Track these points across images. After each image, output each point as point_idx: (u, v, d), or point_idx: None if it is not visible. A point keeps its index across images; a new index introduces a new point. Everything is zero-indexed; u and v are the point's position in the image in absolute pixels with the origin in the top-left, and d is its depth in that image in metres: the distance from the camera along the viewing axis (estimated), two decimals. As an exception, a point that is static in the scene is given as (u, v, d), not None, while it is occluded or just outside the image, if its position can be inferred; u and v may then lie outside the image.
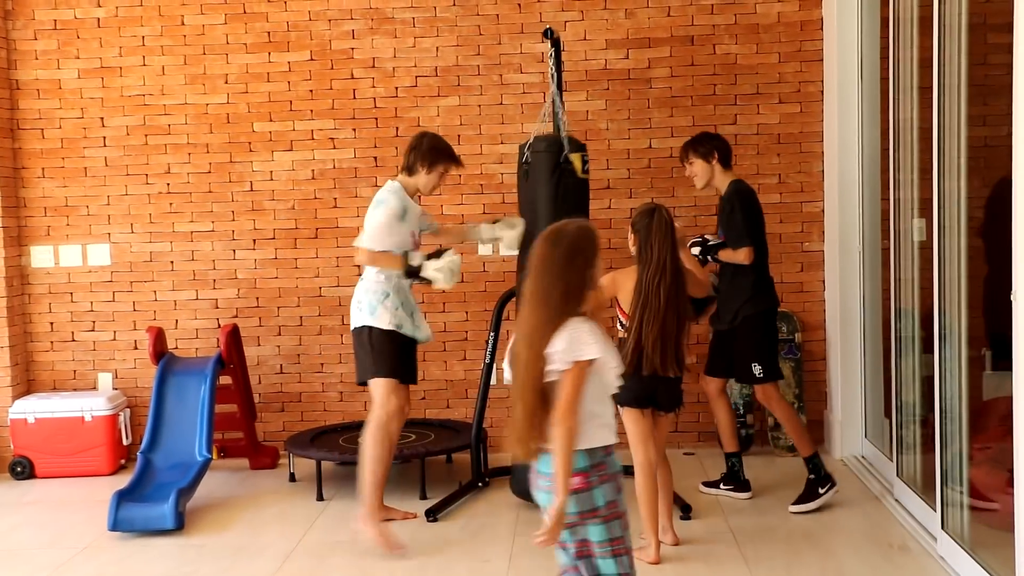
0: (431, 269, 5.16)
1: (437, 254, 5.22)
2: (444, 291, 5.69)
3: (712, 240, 5.55)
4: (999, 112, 3.98)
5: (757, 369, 5.45)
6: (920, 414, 5.26)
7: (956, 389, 4.63)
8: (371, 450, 5.10)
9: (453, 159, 5.36)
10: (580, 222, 3.40)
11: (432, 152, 5.26)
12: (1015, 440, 3.76)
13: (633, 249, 4.68)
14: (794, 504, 5.43)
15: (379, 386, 5.14)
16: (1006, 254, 3.80)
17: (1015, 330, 3.72)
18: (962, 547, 4.41)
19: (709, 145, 5.53)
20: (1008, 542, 3.85)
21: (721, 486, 5.78)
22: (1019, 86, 3.64)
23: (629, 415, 4.71)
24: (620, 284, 4.74)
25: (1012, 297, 3.74)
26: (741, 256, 5.39)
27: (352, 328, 5.27)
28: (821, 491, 5.41)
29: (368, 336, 5.17)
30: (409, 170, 5.29)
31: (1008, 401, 3.84)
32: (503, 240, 5.49)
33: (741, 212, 5.41)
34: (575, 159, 5.50)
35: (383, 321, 5.16)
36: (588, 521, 3.22)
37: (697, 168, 5.55)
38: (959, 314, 4.59)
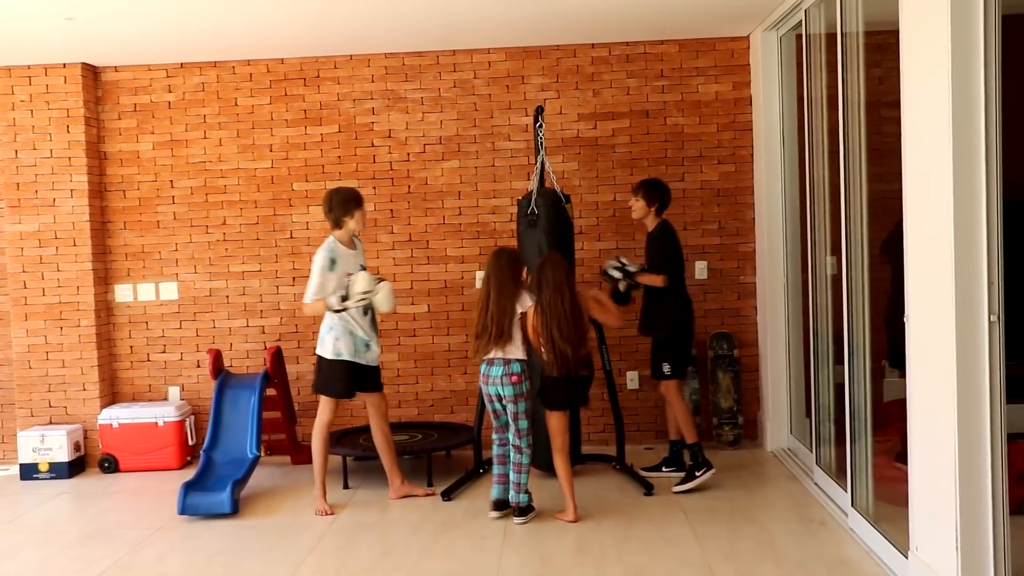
0: (355, 299, 5.19)
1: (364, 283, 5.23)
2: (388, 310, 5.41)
3: (629, 265, 5.61)
4: (892, 171, 4.04)
5: (666, 368, 5.57)
6: (834, 414, 5.29)
7: (862, 393, 4.68)
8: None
9: (360, 201, 5.38)
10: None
11: (344, 204, 5.30)
12: (909, 434, 3.80)
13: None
14: (677, 485, 5.43)
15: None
16: (899, 284, 3.86)
17: (908, 345, 3.77)
18: (868, 520, 4.46)
19: (655, 194, 5.61)
20: (903, 516, 3.89)
21: (663, 468, 5.78)
22: (907, 151, 3.72)
23: (554, 415, 5.05)
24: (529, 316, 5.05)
25: (905, 318, 3.79)
26: (657, 280, 5.48)
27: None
28: (698, 474, 5.42)
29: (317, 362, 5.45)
30: (336, 224, 5.32)
31: (903, 403, 3.89)
32: (377, 296, 5.25)
33: (665, 246, 5.54)
34: (568, 208, 5.70)
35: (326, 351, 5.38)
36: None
37: (638, 205, 5.63)
38: (864, 332, 4.64)
